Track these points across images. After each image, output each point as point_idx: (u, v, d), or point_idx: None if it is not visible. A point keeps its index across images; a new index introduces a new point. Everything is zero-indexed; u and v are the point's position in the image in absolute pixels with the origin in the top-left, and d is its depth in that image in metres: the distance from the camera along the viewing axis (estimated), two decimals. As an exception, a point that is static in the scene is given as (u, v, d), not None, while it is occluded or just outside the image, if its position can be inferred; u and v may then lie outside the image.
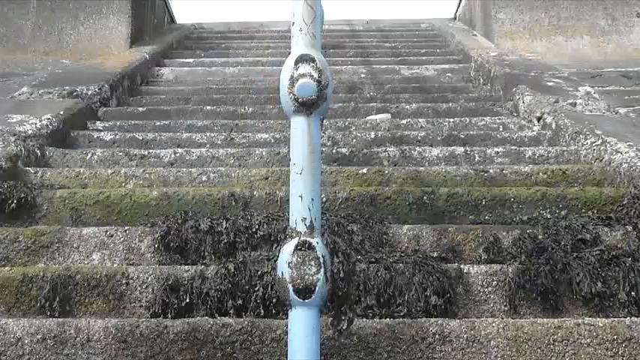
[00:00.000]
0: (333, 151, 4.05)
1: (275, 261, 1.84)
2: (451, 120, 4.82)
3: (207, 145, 4.34)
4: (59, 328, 2.19)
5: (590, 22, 6.94)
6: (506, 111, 5.13)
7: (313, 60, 1.86)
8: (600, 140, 3.85)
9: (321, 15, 1.99)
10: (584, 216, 3.04)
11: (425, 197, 3.21)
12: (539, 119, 4.66)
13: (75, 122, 4.68)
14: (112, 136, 4.49)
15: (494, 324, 2.19)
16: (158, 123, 4.91)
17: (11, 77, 5.81)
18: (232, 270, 2.50)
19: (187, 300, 2.46)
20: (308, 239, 1.78)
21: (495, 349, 2.14)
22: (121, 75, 5.86)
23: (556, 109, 4.59)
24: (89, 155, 4.05)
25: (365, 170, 3.61)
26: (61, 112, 4.55)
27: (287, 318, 1.84)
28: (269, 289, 2.41)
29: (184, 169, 3.74)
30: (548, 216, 3.11)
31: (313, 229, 1.79)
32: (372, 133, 4.47)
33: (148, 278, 2.53)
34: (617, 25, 6.91)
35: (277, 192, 3.23)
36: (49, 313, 2.47)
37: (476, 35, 7.81)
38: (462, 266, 2.57)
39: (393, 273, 2.49)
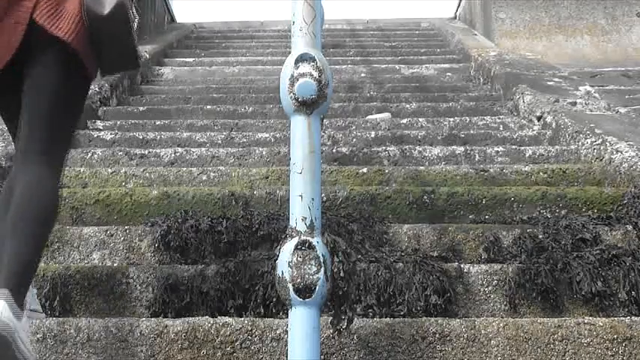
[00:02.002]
0: (334, 150, 4.05)
1: (275, 260, 1.84)
2: (451, 119, 4.82)
3: (208, 145, 4.34)
4: (59, 327, 2.19)
5: (590, 22, 6.95)
6: (506, 110, 5.13)
7: (313, 59, 1.86)
8: (600, 140, 3.85)
9: (321, 14, 1.99)
10: (585, 215, 3.04)
11: (425, 197, 3.21)
12: (539, 118, 4.66)
13: (75, 122, 4.68)
14: (112, 136, 4.49)
15: (494, 323, 2.19)
16: (158, 122, 4.91)
17: (11, 76, 5.81)
18: (232, 269, 2.50)
19: (187, 299, 2.46)
20: (308, 239, 1.77)
21: (496, 349, 2.14)
22: (121, 74, 5.86)
23: (556, 108, 4.59)
24: (89, 154, 4.05)
25: (365, 170, 3.61)
26: (61, 112, 4.54)
27: (287, 317, 1.84)
28: (269, 288, 2.41)
29: (184, 169, 3.74)
30: (549, 215, 3.11)
31: (313, 229, 1.79)
32: (372, 133, 4.47)
33: (148, 277, 2.53)
34: (617, 25, 6.91)
35: (277, 191, 3.23)
36: (49, 312, 2.47)
37: (476, 34, 7.81)
38: (462, 265, 2.57)
39: (393, 272, 2.49)
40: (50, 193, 1.97)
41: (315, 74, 1.84)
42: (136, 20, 2.12)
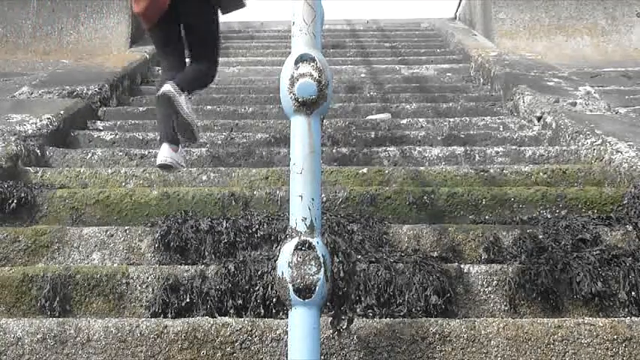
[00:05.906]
0: (334, 150, 4.05)
1: (275, 261, 1.84)
2: (451, 120, 4.82)
3: (208, 145, 4.34)
4: (59, 327, 2.19)
5: (590, 22, 6.95)
6: (506, 111, 5.13)
7: (313, 60, 1.86)
8: (600, 140, 3.85)
9: (322, 15, 1.99)
10: (584, 216, 3.04)
11: (425, 197, 3.21)
12: (539, 119, 4.66)
13: (75, 122, 4.68)
14: (112, 136, 4.49)
15: (494, 324, 2.19)
16: (158, 123, 4.90)
17: (11, 77, 5.82)
18: (232, 270, 2.50)
19: (187, 300, 2.46)
20: (308, 239, 1.78)
21: (495, 349, 2.14)
22: (122, 74, 5.87)
23: (556, 108, 4.60)
24: (89, 155, 4.05)
25: (365, 170, 3.61)
26: (61, 112, 4.55)
27: (287, 318, 1.84)
28: (269, 288, 2.41)
29: (184, 169, 3.73)
30: (549, 216, 3.11)
31: (313, 229, 1.79)
32: (372, 133, 4.47)
33: (148, 278, 2.53)
34: (617, 25, 6.91)
35: (277, 192, 3.23)
36: (49, 312, 2.47)
37: (476, 35, 7.81)
38: (462, 266, 2.57)
39: (393, 273, 2.49)
40: (207, 72, 3.70)
41: (315, 74, 1.84)
42: None
